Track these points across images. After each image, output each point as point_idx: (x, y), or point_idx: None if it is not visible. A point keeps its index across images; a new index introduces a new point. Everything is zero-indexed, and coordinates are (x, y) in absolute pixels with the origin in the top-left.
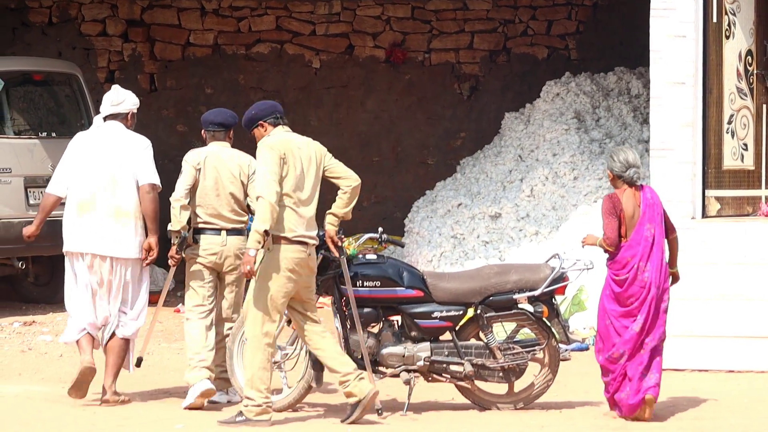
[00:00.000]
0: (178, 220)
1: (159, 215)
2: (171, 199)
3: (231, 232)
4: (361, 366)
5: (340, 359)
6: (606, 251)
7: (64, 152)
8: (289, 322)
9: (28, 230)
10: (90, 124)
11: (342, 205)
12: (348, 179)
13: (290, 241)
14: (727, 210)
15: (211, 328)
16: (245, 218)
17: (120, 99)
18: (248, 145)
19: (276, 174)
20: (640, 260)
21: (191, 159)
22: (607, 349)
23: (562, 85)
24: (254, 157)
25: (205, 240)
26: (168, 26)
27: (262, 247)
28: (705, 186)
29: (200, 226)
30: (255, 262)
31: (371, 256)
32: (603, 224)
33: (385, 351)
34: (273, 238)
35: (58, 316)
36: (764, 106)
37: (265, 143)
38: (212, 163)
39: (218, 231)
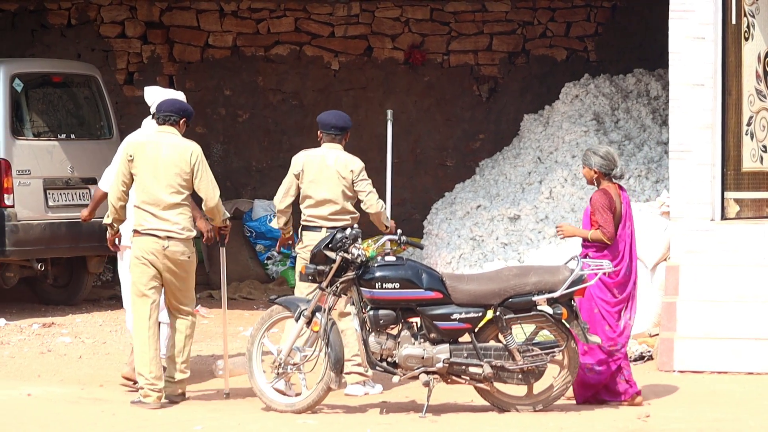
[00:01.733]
0: (278, 225)
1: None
2: (274, 201)
3: (330, 230)
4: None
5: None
6: (587, 243)
7: (84, 153)
8: (308, 323)
9: (83, 213)
10: (109, 125)
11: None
12: None
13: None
14: (746, 212)
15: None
16: (347, 217)
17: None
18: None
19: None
20: (630, 253)
21: (292, 164)
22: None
23: (581, 86)
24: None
25: (306, 237)
26: (187, 28)
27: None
28: (724, 188)
29: (304, 223)
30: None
31: (390, 258)
32: (599, 218)
33: (404, 353)
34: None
35: (77, 318)
36: None
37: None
38: (316, 166)
39: (319, 228)
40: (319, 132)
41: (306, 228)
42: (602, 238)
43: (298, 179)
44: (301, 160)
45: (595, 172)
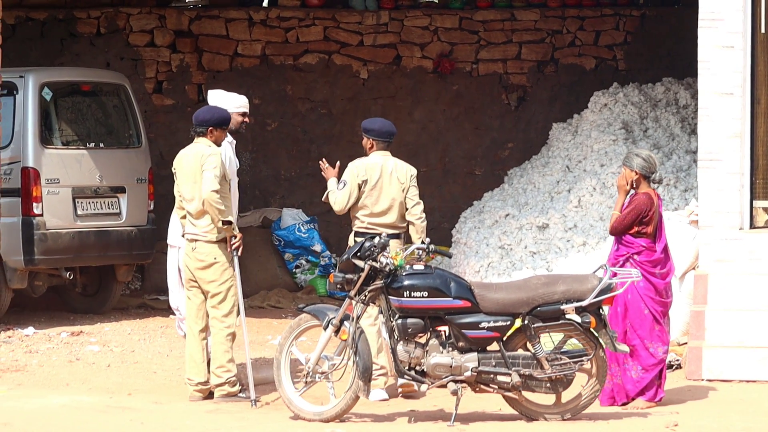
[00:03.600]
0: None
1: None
2: (338, 207)
3: (390, 236)
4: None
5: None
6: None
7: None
8: (336, 331)
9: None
10: (138, 134)
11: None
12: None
13: None
14: None
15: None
16: (404, 225)
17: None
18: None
19: None
20: (668, 258)
21: (354, 173)
22: (651, 338)
23: (610, 95)
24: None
25: None
26: (216, 37)
27: None
28: (753, 197)
29: (362, 230)
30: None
31: (419, 267)
32: (627, 212)
33: (432, 361)
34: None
35: (105, 326)
36: None
37: None
38: (378, 174)
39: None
40: (368, 140)
41: (363, 236)
42: (612, 221)
43: (360, 188)
44: (362, 168)
45: (636, 173)
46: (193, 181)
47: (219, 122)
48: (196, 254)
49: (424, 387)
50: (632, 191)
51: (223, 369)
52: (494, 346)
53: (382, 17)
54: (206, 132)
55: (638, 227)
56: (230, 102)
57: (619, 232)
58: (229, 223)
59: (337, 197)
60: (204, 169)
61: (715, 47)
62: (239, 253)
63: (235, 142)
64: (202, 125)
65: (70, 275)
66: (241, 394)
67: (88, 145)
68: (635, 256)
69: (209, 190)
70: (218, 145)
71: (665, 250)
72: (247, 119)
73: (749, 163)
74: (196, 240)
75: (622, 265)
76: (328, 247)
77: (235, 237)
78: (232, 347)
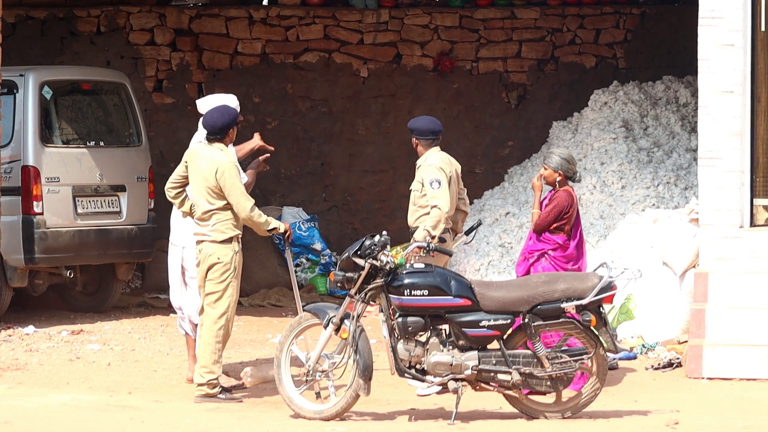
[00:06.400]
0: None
1: None
2: (445, 208)
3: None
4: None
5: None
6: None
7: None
8: (337, 330)
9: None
10: (138, 133)
11: None
12: None
13: None
14: None
15: None
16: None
17: None
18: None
19: None
20: (582, 255)
21: (444, 170)
22: None
23: (610, 93)
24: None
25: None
26: (216, 35)
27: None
28: (753, 195)
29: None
30: None
31: (419, 265)
32: (548, 210)
33: (432, 359)
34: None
35: (106, 325)
36: None
37: None
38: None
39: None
40: (416, 140)
41: (441, 239)
42: (533, 221)
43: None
44: (447, 164)
45: (559, 174)
46: (202, 187)
47: (235, 121)
48: (201, 255)
49: (424, 385)
50: (551, 189)
51: (206, 370)
52: (494, 345)
53: (382, 15)
54: (225, 136)
55: (557, 223)
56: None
57: (542, 229)
58: (274, 229)
59: (441, 198)
60: (228, 192)
61: (715, 45)
62: (287, 244)
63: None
64: (221, 131)
65: (70, 274)
66: (220, 396)
67: (88, 144)
68: (550, 252)
69: (246, 212)
70: (231, 142)
71: (579, 246)
72: (240, 118)
73: (749, 161)
74: (203, 241)
75: (537, 260)
76: (328, 246)
77: (286, 232)
78: (222, 349)
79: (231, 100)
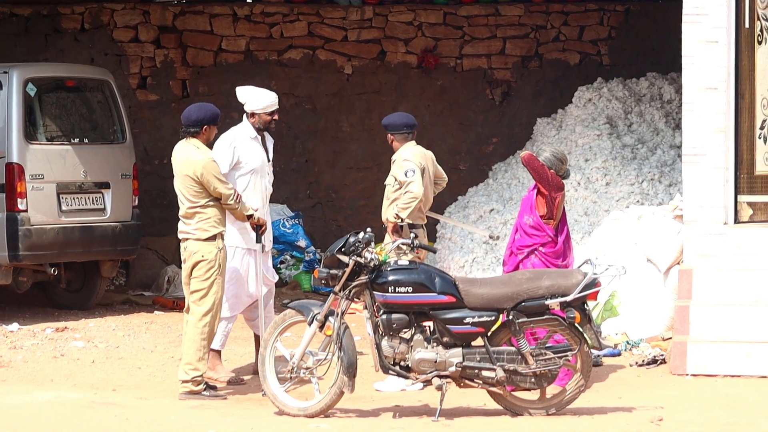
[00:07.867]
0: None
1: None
2: (419, 193)
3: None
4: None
5: None
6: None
7: (97, 158)
8: (321, 327)
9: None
10: (122, 130)
11: None
12: None
13: None
14: (760, 215)
15: None
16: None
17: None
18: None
19: None
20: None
21: (415, 161)
22: None
23: (594, 90)
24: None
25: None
26: (200, 32)
27: None
28: (737, 191)
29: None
30: None
31: (403, 262)
32: (544, 203)
33: (417, 356)
34: None
35: (90, 322)
36: None
37: None
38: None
39: (420, 227)
40: (392, 135)
41: (413, 226)
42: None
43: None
44: (420, 157)
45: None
46: (183, 186)
47: (213, 119)
48: (186, 252)
49: (409, 383)
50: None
51: (191, 367)
52: (479, 342)
53: (366, 12)
54: (200, 131)
55: (544, 209)
56: (260, 101)
57: (536, 166)
58: (251, 216)
59: (414, 184)
60: (211, 180)
61: (699, 42)
62: (263, 240)
63: (259, 137)
64: (196, 125)
65: (54, 271)
66: (205, 393)
67: (72, 141)
68: (540, 248)
69: (227, 202)
70: (209, 142)
71: (566, 242)
72: (276, 116)
73: (733, 158)
74: (187, 239)
75: (527, 257)
76: (312, 243)
77: (260, 226)
78: (207, 346)
79: (265, 99)
